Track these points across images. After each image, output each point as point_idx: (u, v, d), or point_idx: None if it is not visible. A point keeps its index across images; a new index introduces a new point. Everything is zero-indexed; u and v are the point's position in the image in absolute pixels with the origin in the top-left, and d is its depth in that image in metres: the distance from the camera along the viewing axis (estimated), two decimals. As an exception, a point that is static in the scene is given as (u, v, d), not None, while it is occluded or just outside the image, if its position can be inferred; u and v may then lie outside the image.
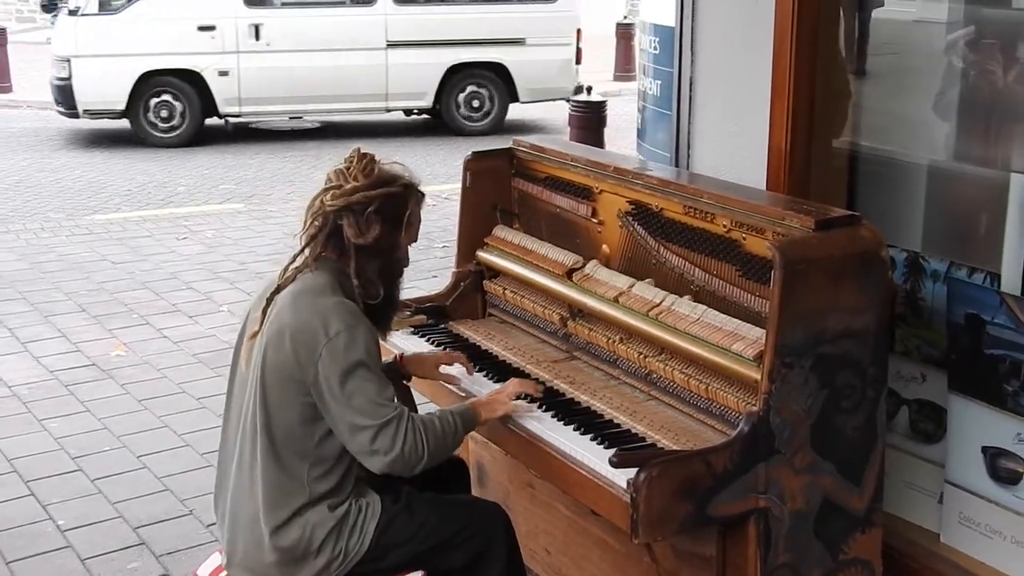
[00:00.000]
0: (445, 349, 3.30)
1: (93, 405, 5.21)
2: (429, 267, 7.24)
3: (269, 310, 2.68)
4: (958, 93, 3.27)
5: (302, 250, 2.72)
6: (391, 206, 2.70)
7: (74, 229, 8.51)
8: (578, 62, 12.67)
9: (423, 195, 2.81)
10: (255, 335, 2.69)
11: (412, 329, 3.45)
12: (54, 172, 10.53)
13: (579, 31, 12.62)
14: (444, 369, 3.11)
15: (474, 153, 3.56)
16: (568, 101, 12.81)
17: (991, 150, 3.20)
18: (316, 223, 2.70)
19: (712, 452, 2.47)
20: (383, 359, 3.15)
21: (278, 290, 2.70)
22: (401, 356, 3.15)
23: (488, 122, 12.56)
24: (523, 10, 12.47)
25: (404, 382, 3.16)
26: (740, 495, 2.49)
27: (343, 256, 2.69)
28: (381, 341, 3.44)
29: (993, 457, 2.89)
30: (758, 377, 2.52)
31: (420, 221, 2.83)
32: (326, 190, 2.71)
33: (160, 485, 4.42)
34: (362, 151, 2.77)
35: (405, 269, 2.84)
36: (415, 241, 2.83)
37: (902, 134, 3.49)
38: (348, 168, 2.72)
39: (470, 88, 12.45)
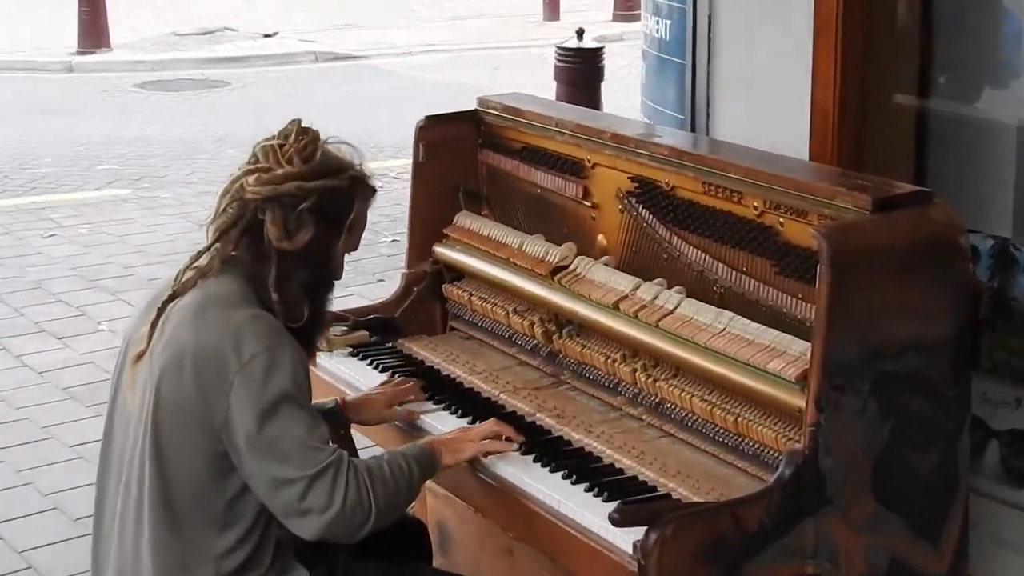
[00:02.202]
0: (394, 375, 3.30)
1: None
2: (373, 268, 7.24)
3: (161, 323, 2.63)
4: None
5: (210, 245, 2.68)
6: (332, 204, 2.67)
7: (-98, 224, 8.50)
8: None
9: (373, 191, 2.80)
10: (141, 356, 2.63)
11: (350, 350, 3.45)
12: None
13: None
14: (398, 409, 3.10)
15: (428, 118, 3.56)
16: None
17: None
18: (231, 212, 2.66)
19: (743, 504, 2.48)
20: (320, 402, 3.14)
21: (172, 297, 2.64)
22: (343, 400, 3.12)
23: None
24: None
25: (342, 431, 3.14)
26: (782, 559, 2.50)
27: (261, 260, 2.65)
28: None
29: (1108, 504, 2.92)
30: (802, 404, 2.53)
31: (365, 226, 2.82)
32: (250, 171, 2.67)
33: (23, 562, 4.40)
34: (303, 125, 2.73)
35: (336, 282, 2.82)
36: (355, 249, 2.81)
37: (984, 87, 3.51)
38: (283, 146, 2.67)
39: None
